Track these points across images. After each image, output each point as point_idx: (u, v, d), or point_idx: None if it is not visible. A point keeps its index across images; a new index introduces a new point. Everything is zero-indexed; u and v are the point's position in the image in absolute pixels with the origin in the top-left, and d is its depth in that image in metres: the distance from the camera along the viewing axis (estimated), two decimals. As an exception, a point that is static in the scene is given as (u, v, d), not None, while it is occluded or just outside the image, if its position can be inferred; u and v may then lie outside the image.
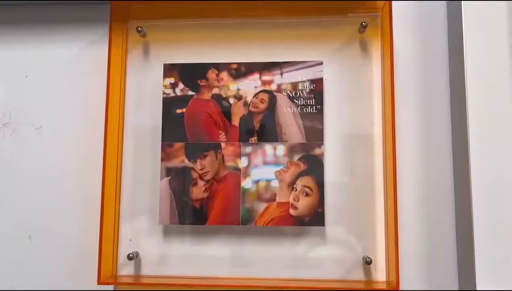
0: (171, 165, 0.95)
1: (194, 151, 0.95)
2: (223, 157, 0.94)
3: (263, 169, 0.94)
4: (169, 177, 0.94)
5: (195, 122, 0.96)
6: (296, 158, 0.94)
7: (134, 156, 0.99)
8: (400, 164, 0.94)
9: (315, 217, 0.92)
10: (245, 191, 0.94)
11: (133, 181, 0.98)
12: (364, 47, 1.00)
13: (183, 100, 0.98)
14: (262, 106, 0.97)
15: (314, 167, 0.93)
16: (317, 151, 0.94)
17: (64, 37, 1.03)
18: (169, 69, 0.98)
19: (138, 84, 1.00)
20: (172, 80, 0.98)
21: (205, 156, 0.95)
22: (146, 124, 1.00)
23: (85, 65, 1.02)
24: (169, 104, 0.97)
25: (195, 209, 0.94)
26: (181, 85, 0.98)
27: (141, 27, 0.98)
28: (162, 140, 0.95)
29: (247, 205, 0.93)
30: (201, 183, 0.94)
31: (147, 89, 1.00)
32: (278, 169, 0.94)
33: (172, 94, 0.98)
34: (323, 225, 0.92)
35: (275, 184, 0.94)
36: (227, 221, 0.93)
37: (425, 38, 0.99)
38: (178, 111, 0.97)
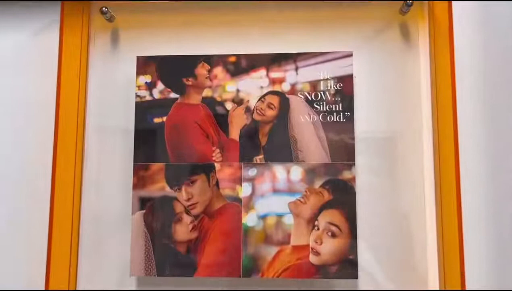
0: (146, 193, 0.78)
1: (178, 175, 0.78)
2: (217, 182, 0.78)
3: (272, 199, 0.77)
4: (144, 211, 0.78)
5: (179, 136, 0.79)
6: (317, 184, 0.77)
7: (97, 181, 0.82)
8: (463, 190, 0.75)
9: (345, 267, 0.75)
10: (248, 230, 0.77)
11: (95, 217, 0.81)
12: (406, 33, 0.82)
13: (163, 105, 0.80)
14: (271, 113, 0.79)
15: (342, 196, 0.76)
16: (346, 175, 0.77)
17: (11, 22, 0.86)
18: (144, 63, 0.81)
19: (103, 84, 0.83)
20: (148, 78, 0.81)
21: (193, 182, 0.78)
22: (113, 139, 0.82)
23: (36, 56, 0.85)
24: (144, 111, 0.80)
25: (179, 255, 0.77)
26: (160, 86, 0.81)
27: (106, 8, 0.81)
28: (135, 161, 0.79)
29: (251, 250, 0.76)
30: (187, 218, 0.77)
31: (115, 91, 0.83)
32: (293, 199, 0.77)
33: (148, 98, 0.81)
34: (356, 277, 0.75)
35: (289, 220, 0.77)
36: (224, 272, 0.76)
37: (486, 22, 0.80)
38: (157, 120, 0.80)
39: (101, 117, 0.83)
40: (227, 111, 0.79)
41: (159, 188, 0.78)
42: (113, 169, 0.81)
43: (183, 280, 0.79)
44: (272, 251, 0.76)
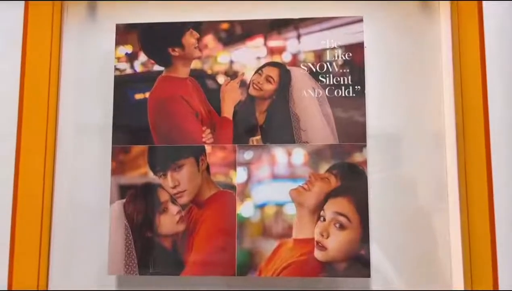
0: (126, 180, 0.70)
1: (163, 159, 0.70)
2: (208, 167, 0.69)
3: (271, 186, 0.69)
4: (124, 200, 0.69)
5: (164, 114, 0.70)
6: (323, 168, 0.68)
7: (71, 166, 0.73)
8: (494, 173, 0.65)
9: (356, 263, 0.66)
10: (244, 221, 0.68)
11: (69, 207, 0.72)
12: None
13: (145, 79, 0.72)
14: (269, 87, 0.70)
15: (352, 182, 0.68)
16: (356, 157, 0.68)
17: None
18: (124, 32, 0.73)
19: (78, 57, 0.75)
20: (128, 49, 0.73)
21: (180, 167, 0.70)
22: (90, 118, 0.74)
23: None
24: (124, 86, 0.72)
25: (164, 250, 0.68)
26: (142, 57, 0.73)
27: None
28: (114, 143, 0.71)
29: (247, 245, 0.68)
30: (174, 209, 0.69)
31: (92, 64, 0.75)
32: (295, 186, 0.68)
33: (128, 71, 0.72)
34: (368, 276, 0.66)
35: (290, 210, 0.68)
36: (215, 270, 0.68)
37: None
38: (138, 96, 0.72)
39: (75, 94, 0.75)
40: (219, 85, 0.71)
41: (141, 173, 0.70)
42: (90, 152, 0.73)
43: (169, 279, 0.70)
44: (271, 245, 0.67)
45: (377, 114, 0.70)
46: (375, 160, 0.69)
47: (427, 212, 0.69)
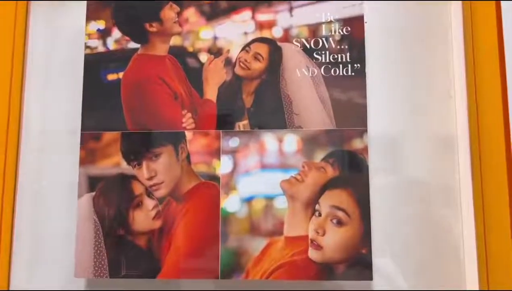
0: (97, 171, 0.63)
1: (138, 147, 0.63)
2: (188, 156, 0.62)
3: (260, 177, 0.61)
4: (93, 193, 0.62)
5: (139, 96, 0.63)
6: (319, 157, 0.61)
7: (36, 153, 0.66)
8: None
9: (356, 264, 0.58)
10: (229, 217, 0.61)
11: (32, 201, 0.65)
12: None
13: (119, 58, 0.65)
14: (258, 66, 0.63)
15: (351, 172, 0.60)
16: (356, 144, 0.61)
17: None
18: (96, 7, 0.66)
19: (45, 33, 0.69)
20: (101, 24, 0.66)
21: (156, 156, 0.62)
22: (57, 101, 0.67)
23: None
24: (95, 65, 0.65)
25: (139, 250, 0.61)
26: (116, 33, 0.66)
27: None
28: (83, 129, 0.64)
29: (232, 243, 0.60)
30: (149, 203, 0.62)
31: (60, 41, 0.68)
32: (287, 176, 0.61)
33: (101, 49, 0.66)
34: (370, 279, 0.58)
35: (281, 204, 0.60)
36: (196, 272, 0.60)
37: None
38: (111, 77, 0.65)
39: (42, 74, 0.68)
40: (202, 64, 0.64)
41: (114, 163, 0.63)
42: (56, 140, 0.66)
43: (144, 283, 0.61)
44: (259, 244, 0.60)
45: (379, 97, 0.62)
46: (377, 148, 0.61)
47: (434, 209, 0.61)
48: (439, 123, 0.62)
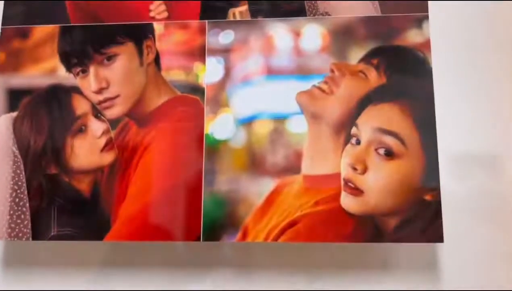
0: (21, 81, 0.46)
1: (83, 45, 0.44)
2: (157, 58, 0.44)
3: (264, 87, 0.44)
4: (16, 113, 0.45)
5: None
6: (356, 57, 0.43)
7: None
8: None
9: (417, 218, 0.38)
10: (216, 146, 0.42)
11: None
12: None
13: None
14: None
15: (406, 78, 0.41)
16: (413, 37, 0.42)
17: None
18: None
19: None
20: None
21: (110, 58, 0.44)
22: None
23: None
24: None
25: (78, 197, 0.42)
26: None
27: None
28: (3, 23, 0.47)
29: (222, 186, 0.41)
30: (97, 126, 0.43)
31: None
32: (307, 86, 0.43)
33: None
34: (441, 240, 0.38)
35: (298, 126, 0.42)
36: (165, 232, 0.40)
37: None
38: None
39: None
40: None
41: (47, 70, 0.45)
42: None
43: (86, 246, 0.40)
44: (264, 188, 0.41)
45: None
46: (445, 40, 0.41)
47: None
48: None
